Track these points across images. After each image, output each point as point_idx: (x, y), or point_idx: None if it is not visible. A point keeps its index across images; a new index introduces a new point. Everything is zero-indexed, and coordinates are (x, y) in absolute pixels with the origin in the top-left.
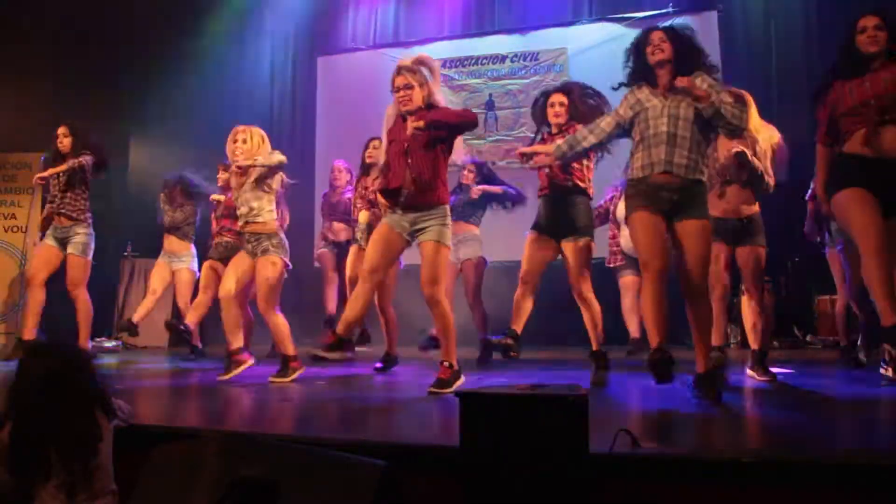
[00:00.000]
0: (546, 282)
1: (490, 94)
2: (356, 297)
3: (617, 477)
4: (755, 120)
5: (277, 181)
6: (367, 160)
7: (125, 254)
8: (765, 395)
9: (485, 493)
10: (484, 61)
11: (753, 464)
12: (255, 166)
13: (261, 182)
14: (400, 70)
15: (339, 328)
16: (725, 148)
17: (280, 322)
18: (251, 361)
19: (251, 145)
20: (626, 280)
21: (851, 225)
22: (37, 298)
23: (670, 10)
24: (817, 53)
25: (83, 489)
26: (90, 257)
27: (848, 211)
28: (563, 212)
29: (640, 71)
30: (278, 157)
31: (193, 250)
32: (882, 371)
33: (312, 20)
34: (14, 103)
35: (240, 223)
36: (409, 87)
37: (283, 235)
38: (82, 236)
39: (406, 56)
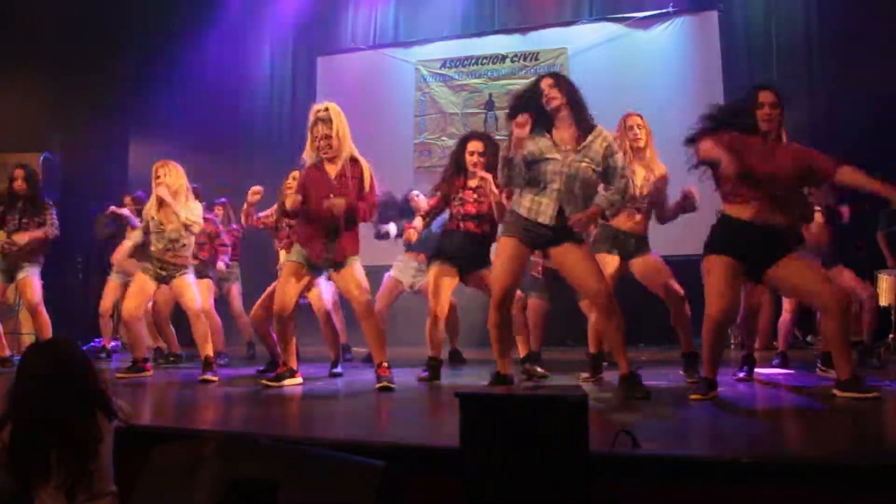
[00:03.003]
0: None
1: (490, 94)
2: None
3: (617, 477)
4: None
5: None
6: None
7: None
8: (764, 395)
9: (485, 493)
10: (484, 61)
11: (753, 464)
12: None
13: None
14: (317, 121)
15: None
16: (640, 177)
17: (209, 331)
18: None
19: (170, 179)
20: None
21: (707, 287)
22: None
23: (670, 10)
24: (817, 53)
25: (83, 490)
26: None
27: (711, 275)
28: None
29: (541, 118)
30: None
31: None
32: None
33: (312, 20)
34: (14, 104)
35: (167, 255)
36: (328, 137)
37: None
38: (29, 266)
39: (405, 56)
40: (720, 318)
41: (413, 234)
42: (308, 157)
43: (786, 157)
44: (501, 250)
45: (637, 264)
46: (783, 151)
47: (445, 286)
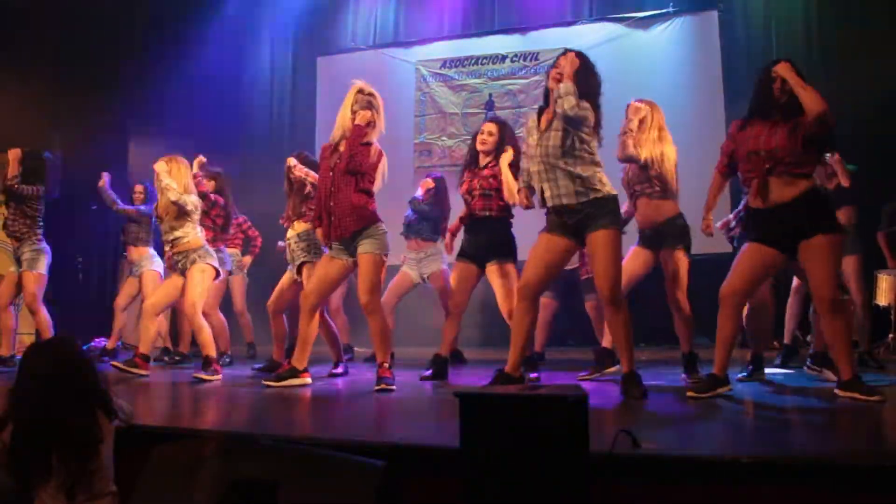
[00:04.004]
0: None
1: (490, 94)
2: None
3: (617, 477)
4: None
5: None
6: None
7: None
8: (764, 395)
9: (485, 493)
10: (484, 61)
11: (753, 464)
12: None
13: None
14: (367, 105)
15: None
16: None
17: (206, 325)
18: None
19: (174, 175)
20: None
21: (731, 269)
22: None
23: (670, 10)
24: (817, 53)
25: (83, 490)
26: (42, 271)
27: (738, 260)
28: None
29: (545, 96)
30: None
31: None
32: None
33: (312, 20)
34: (14, 103)
35: (167, 247)
36: (371, 124)
37: (208, 246)
38: (31, 252)
39: (405, 56)
40: (729, 294)
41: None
42: (336, 133)
43: (785, 130)
44: (535, 243)
45: (663, 258)
46: (787, 125)
47: (456, 282)
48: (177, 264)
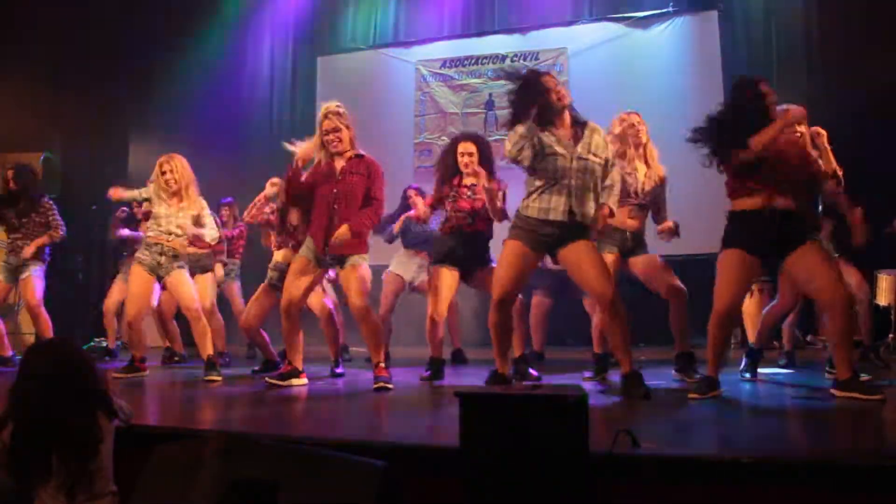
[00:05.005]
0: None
1: (490, 94)
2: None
3: (617, 477)
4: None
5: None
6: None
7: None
8: (764, 395)
9: (485, 493)
10: (484, 61)
11: (753, 464)
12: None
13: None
14: (327, 115)
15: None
16: (642, 173)
17: (208, 327)
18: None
19: (178, 175)
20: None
21: (718, 282)
22: None
23: (670, 9)
24: (817, 53)
25: (83, 490)
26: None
27: (721, 270)
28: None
29: (544, 113)
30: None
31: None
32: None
33: (312, 20)
34: (14, 103)
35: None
36: (337, 130)
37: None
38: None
39: (405, 56)
40: (726, 312)
41: (422, 211)
42: (316, 154)
43: (787, 145)
44: (506, 253)
45: (638, 263)
46: (784, 139)
47: (445, 289)
48: (159, 254)
